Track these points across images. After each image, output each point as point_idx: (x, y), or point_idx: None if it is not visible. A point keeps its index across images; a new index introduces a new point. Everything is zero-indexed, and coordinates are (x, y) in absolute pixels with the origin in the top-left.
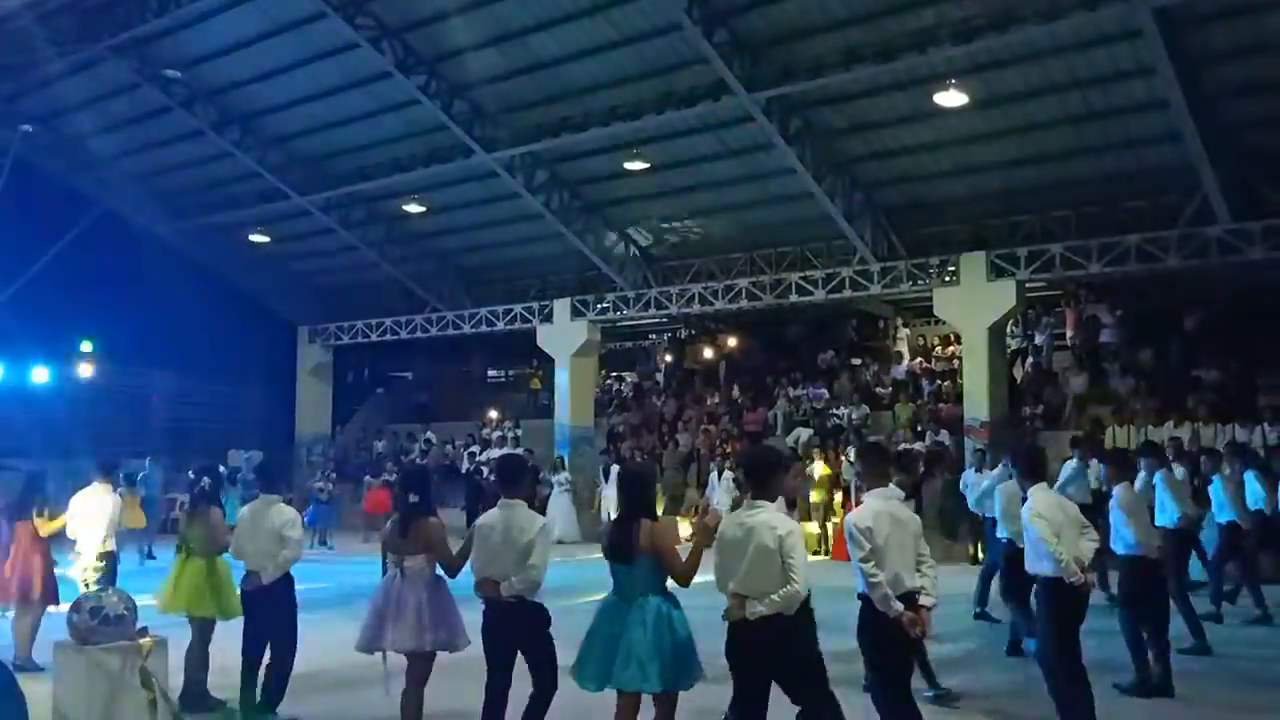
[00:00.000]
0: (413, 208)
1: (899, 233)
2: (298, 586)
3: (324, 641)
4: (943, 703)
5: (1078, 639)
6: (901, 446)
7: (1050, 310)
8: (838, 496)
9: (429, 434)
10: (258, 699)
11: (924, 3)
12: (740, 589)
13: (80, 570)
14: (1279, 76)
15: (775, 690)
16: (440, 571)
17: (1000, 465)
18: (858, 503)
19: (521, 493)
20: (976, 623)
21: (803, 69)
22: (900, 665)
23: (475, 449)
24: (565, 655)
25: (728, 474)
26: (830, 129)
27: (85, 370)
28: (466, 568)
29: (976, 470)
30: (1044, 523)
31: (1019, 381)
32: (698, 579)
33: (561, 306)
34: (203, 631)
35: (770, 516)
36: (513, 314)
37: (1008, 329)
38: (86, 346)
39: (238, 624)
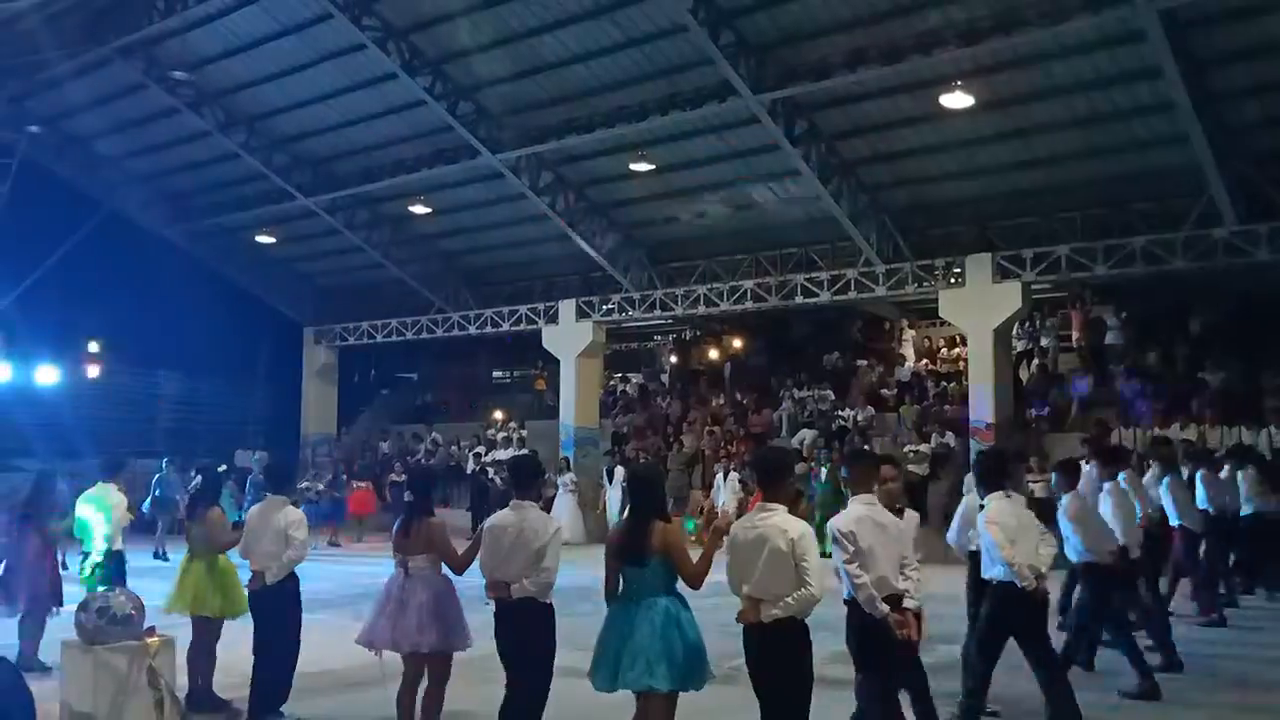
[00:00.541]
0: (418, 209)
1: (904, 234)
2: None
3: (329, 641)
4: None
5: (1000, 648)
6: (907, 449)
7: (1056, 312)
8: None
9: (434, 434)
10: (262, 698)
11: (929, 5)
12: (755, 592)
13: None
14: None
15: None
16: (447, 571)
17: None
18: None
19: (534, 494)
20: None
21: (808, 71)
22: (886, 666)
23: (480, 450)
24: (571, 657)
25: (733, 475)
26: (836, 131)
27: (92, 371)
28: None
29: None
30: (997, 528)
31: (1024, 383)
32: (707, 579)
33: (567, 308)
34: (207, 631)
35: (782, 519)
36: (518, 315)
37: (1013, 331)
38: (93, 347)
39: (243, 624)
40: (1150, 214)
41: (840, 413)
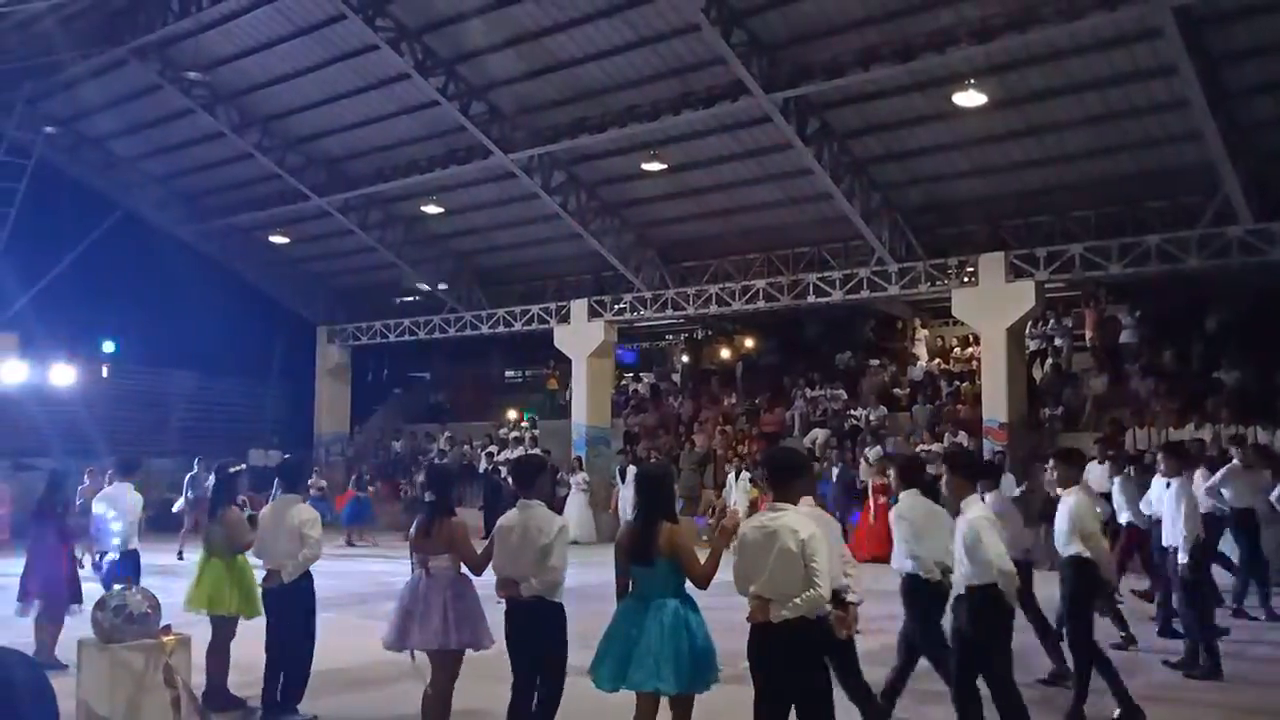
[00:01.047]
0: (431, 209)
1: (917, 233)
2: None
3: (343, 640)
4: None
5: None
6: (919, 449)
7: (1070, 311)
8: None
9: (447, 433)
10: (278, 697)
11: (943, 3)
12: (763, 592)
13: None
14: None
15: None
16: (466, 570)
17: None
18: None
19: (539, 493)
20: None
21: (821, 69)
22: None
23: (493, 449)
24: (581, 657)
25: (744, 475)
26: (848, 129)
27: (107, 370)
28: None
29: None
30: (906, 524)
31: (1038, 383)
32: (715, 579)
33: (579, 307)
34: (224, 630)
35: (792, 519)
36: (530, 314)
37: (1027, 330)
38: (108, 347)
39: (259, 623)
40: (1165, 212)
41: (852, 412)
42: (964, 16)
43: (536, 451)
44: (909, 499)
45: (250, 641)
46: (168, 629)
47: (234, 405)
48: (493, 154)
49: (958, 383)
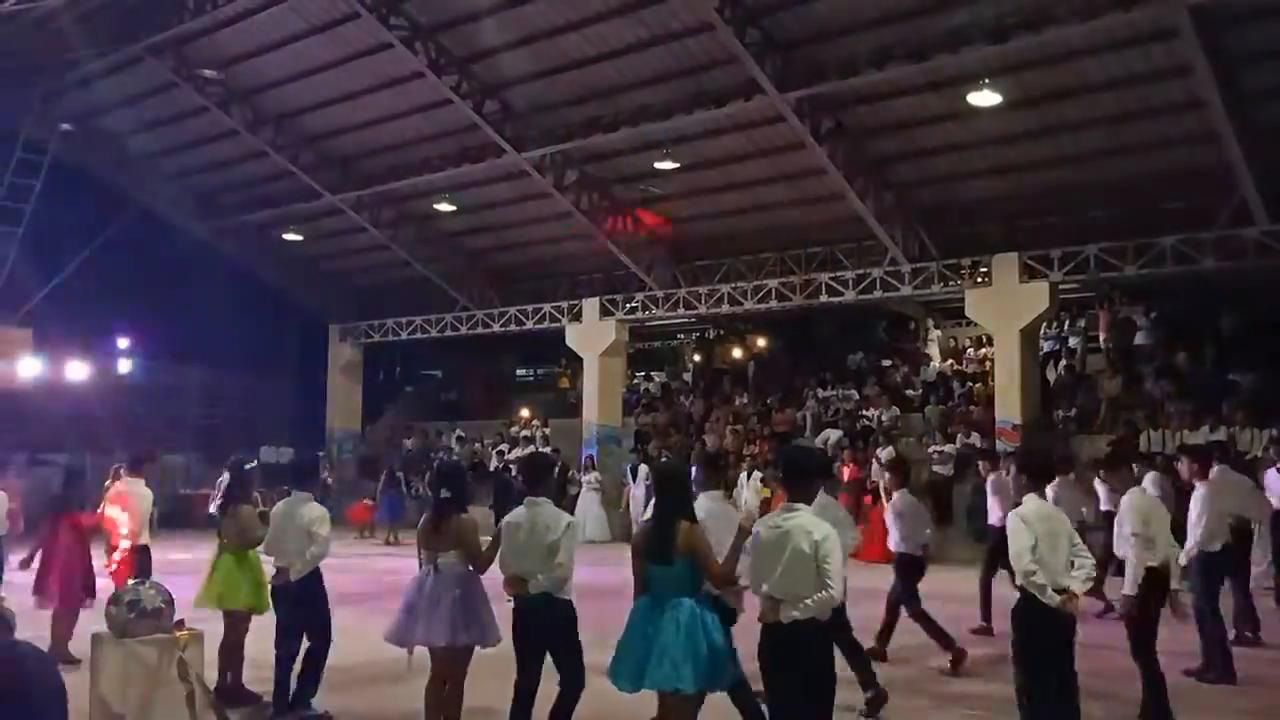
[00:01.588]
0: (443, 207)
1: (931, 233)
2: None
3: (354, 636)
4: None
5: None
6: (932, 449)
7: (1084, 312)
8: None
9: (458, 431)
10: (291, 693)
11: (957, 2)
12: (775, 592)
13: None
14: None
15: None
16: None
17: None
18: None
19: (547, 491)
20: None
21: (835, 68)
22: None
23: (504, 447)
24: (596, 655)
25: (756, 474)
26: (862, 129)
27: (121, 366)
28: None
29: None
30: (898, 516)
31: (1052, 384)
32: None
33: (590, 306)
34: (237, 625)
35: (807, 520)
36: (542, 313)
37: (1040, 331)
38: (122, 343)
39: (272, 619)
40: (1180, 213)
41: (864, 413)
42: (979, 16)
43: (545, 449)
44: (902, 497)
45: (265, 638)
46: (181, 624)
47: (246, 402)
48: (505, 153)
49: (970, 384)
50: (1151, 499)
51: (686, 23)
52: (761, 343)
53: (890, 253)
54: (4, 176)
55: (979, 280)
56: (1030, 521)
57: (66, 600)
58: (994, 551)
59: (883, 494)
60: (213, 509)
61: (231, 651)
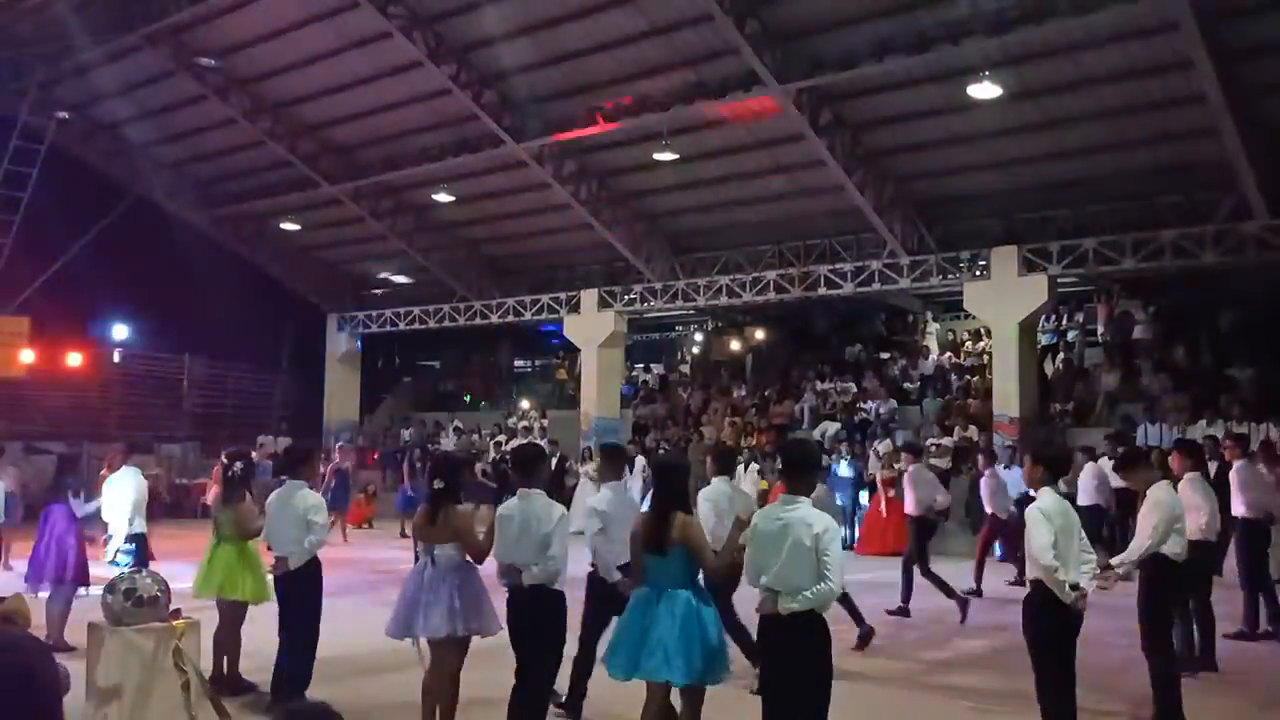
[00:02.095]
0: (442, 197)
1: (929, 226)
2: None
3: (350, 626)
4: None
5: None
6: (929, 442)
7: (1082, 306)
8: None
9: (456, 422)
10: (287, 682)
11: None
12: (774, 584)
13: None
14: None
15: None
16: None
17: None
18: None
19: (539, 482)
20: (1001, 619)
21: (834, 60)
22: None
23: (502, 438)
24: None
25: (754, 466)
26: (861, 121)
27: (118, 356)
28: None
29: (1005, 466)
30: (710, 505)
31: (1049, 378)
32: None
33: (589, 297)
34: (234, 615)
35: (807, 512)
36: (540, 304)
37: (1039, 324)
38: (119, 332)
39: (268, 608)
40: (1180, 207)
41: (862, 405)
42: (979, 8)
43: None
44: (717, 482)
45: (261, 627)
46: (177, 612)
47: (244, 391)
48: (504, 143)
49: (968, 377)
50: (1176, 495)
51: (685, 13)
52: (760, 335)
53: (889, 245)
54: (1, 165)
55: (977, 273)
56: (1051, 516)
57: (60, 587)
58: (920, 538)
59: (880, 488)
60: (209, 500)
61: (228, 640)
